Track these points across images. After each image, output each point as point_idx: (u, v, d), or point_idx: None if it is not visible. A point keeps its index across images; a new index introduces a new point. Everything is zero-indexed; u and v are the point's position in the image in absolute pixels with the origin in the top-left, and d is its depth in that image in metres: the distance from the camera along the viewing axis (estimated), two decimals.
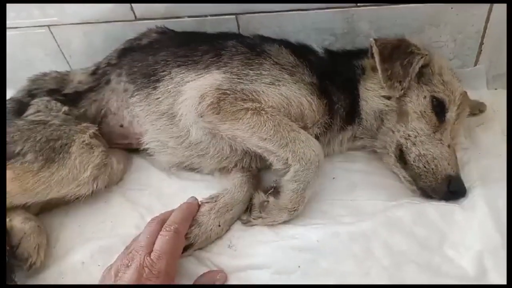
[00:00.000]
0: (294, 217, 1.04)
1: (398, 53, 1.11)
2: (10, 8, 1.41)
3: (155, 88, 1.18)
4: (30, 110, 1.20)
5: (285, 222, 1.03)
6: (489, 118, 1.27)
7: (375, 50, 1.11)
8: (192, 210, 1.03)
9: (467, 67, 1.37)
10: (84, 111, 1.26)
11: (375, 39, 1.12)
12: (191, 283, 0.94)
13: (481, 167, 1.13)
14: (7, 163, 1.03)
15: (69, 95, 1.27)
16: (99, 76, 1.30)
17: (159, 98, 1.17)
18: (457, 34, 1.31)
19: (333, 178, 1.16)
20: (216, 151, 1.14)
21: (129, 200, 1.18)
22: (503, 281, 0.87)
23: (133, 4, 1.38)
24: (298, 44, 1.26)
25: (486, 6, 1.23)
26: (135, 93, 1.21)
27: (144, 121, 1.20)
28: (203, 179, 1.22)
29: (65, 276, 1.01)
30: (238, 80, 1.09)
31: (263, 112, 1.04)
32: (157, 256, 0.86)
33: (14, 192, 1.03)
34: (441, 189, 1.04)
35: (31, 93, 1.26)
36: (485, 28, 1.28)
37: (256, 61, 1.14)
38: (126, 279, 0.83)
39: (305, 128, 1.11)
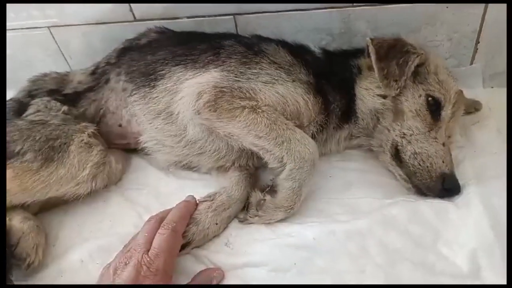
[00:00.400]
0: (290, 215, 1.04)
1: (394, 52, 1.12)
2: (10, 9, 1.42)
3: (153, 86, 1.19)
4: (30, 110, 1.21)
5: (281, 220, 1.04)
6: (484, 116, 1.28)
7: (371, 49, 1.12)
8: (190, 208, 1.04)
9: (463, 66, 1.38)
10: (83, 111, 1.27)
11: (371, 39, 1.13)
12: (188, 281, 0.95)
13: (476, 165, 1.13)
14: (7, 162, 1.04)
15: (69, 95, 1.28)
16: (99, 75, 1.31)
17: (157, 96, 1.18)
18: (453, 33, 1.31)
19: (330, 176, 1.17)
20: (213, 149, 1.15)
21: (128, 199, 1.19)
22: (497, 279, 0.88)
23: (132, 5, 1.39)
24: (295, 44, 1.27)
25: (481, 5, 1.24)
26: (134, 92, 1.22)
27: (142, 120, 1.21)
28: (201, 178, 1.23)
29: (64, 274, 1.02)
30: (236, 79, 1.10)
31: (260, 110, 1.05)
32: (155, 254, 0.87)
33: (14, 191, 1.04)
34: (435, 187, 1.05)
35: (31, 94, 1.27)
36: (481, 27, 1.28)
37: (254, 60, 1.15)
38: (124, 277, 0.83)
39: (301, 126, 1.11)
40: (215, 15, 1.38)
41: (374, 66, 1.11)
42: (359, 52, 1.23)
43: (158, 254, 0.87)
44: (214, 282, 0.94)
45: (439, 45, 1.34)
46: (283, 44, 1.24)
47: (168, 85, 1.17)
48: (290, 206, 1.03)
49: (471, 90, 1.31)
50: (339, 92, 1.18)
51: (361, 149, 1.24)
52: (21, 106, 1.22)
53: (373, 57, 1.11)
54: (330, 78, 1.18)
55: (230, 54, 1.17)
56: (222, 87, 1.08)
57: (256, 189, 1.10)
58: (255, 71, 1.12)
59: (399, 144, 1.11)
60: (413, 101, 1.12)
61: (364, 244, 0.97)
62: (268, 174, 1.18)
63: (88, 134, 1.16)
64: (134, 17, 1.42)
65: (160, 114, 1.17)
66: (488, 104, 1.30)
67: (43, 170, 1.06)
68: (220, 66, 1.14)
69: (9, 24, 1.46)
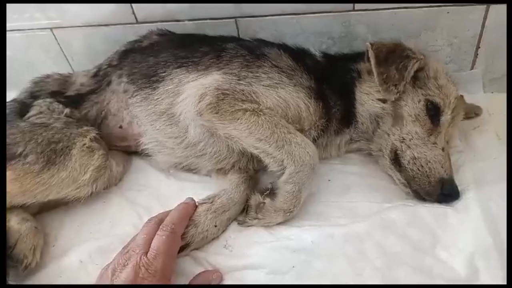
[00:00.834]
0: (289, 218, 1.05)
1: (393, 57, 1.12)
2: (13, 10, 1.43)
3: (155, 88, 1.20)
4: (32, 111, 1.21)
5: (280, 223, 1.05)
6: (484, 121, 1.28)
7: (371, 54, 1.12)
8: (189, 210, 1.05)
9: (463, 71, 1.39)
10: (85, 113, 1.27)
11: (371, 43, 1.13)
12: (187, 282, 0.95)
13: (476, 170, 1.14)
14: (8, 164, 1.04)
15: (71, 97, 1.29)
16: (101, 77, 1.32)
17: (158, 98, 1.18)
18: (453, 38, 1.32)
19: (329, 180, 1.17)
20: (213, 151, 1.15)
21: (128, 200, 1.19)
22: (494, 283, 0.88)
23: (134, 8, 1.40)
24: (296, 48, 1.27)
25: (482, 10, 1.24)
26: (135, 94, 1.23)
27: (143, 121, 1.22)
28: (201, 180, 1.23)
29: (63, 275, 1.02)
30: (238, 81, 1.11)
31: (261, 113, 1.06)
32: (154, 255, 0.88)
33: (14, 192, 1.04)
34: (434, 192, 1.06)
35: (33, 95, 1.27)
36: (481, 32, 1.29)
37: (256, 64, 1.15)
38: (122, 278, 0.84)
39: (302, 130, 1.12)
40: (217, 18, 1.39)
41: (374, 70, 1.11)
42: (359, 56, 1.23)
43: (157, 256, 0.88)
44: (213, 284, 0.95)
45: (439, 50, 1.35)
46: (284, 48, 1.24)
47: (169, 87, 1.17)
48: (290, 209, 1.03)
49: (472, 95, 1.31)
50: (340, 97, 1.18)
51: (361, 153, 1.24)
52: (24, 107, 1.23)
53: (372, 61, 1.11)
54: (331, 82, 1.19)
55: (232, 57, 1.17)
56: (224, 90, 1.08)
57: (256, 192, 1.11)
58: (257, 74, 1.13)
59: (398, 148, 1.11)
60: (412, 106, 1.12)
61: (363, 247, 0.97)
62: (268, 177, 1.18)
63: (90, 138, 1.17)
64: (136, 19, 1.43)
65: (161, 115, 1.18)
66: (488, 110, 1.30)
67: (45, 173, 1.06)
68: (222, 68, 1.15)
69: (11, 25, 1.47)
